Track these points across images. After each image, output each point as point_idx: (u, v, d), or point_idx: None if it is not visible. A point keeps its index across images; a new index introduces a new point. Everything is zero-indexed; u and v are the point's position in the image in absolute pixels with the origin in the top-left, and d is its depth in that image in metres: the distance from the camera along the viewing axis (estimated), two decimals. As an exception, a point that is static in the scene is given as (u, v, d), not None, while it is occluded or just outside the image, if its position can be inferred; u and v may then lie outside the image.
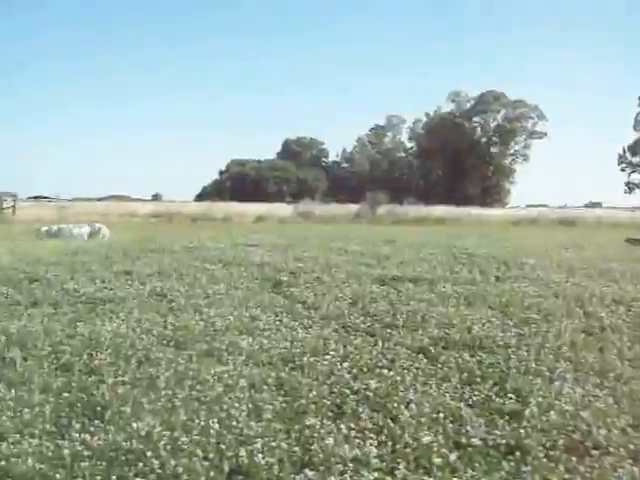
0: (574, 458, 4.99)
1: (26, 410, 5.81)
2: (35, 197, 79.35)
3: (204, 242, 20.23)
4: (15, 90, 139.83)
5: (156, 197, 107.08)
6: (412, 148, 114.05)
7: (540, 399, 6.21)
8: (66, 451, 5.01)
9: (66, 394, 6.27)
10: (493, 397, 6.34)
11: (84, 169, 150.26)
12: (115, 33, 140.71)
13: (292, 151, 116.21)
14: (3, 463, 4.84)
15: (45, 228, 25.49)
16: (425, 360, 7.58)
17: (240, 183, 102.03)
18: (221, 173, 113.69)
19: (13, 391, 6.34)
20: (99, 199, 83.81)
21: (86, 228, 26.12)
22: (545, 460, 4.98)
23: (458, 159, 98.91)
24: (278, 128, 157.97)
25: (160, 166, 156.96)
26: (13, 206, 46.23)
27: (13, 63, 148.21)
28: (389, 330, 8.97)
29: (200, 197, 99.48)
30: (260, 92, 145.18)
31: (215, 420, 5.56)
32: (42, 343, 7.98)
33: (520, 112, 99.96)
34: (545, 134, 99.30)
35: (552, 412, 5.84)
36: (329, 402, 6.14)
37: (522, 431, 5.45)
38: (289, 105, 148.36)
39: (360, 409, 5.97)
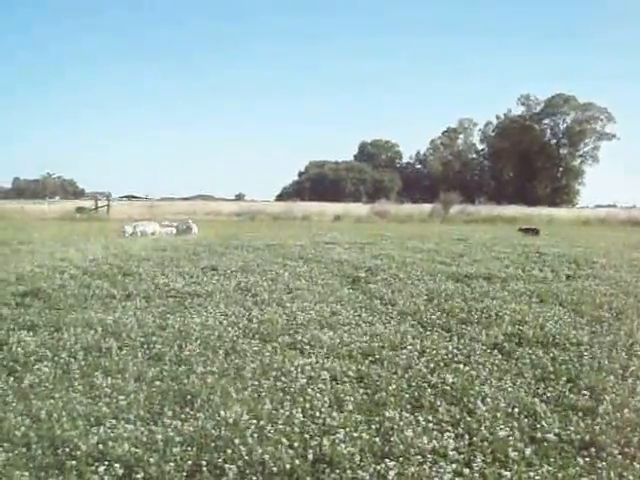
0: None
1: (121, 397, 6.12)
2: (127, 196, 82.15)
3: (285, 240, 20.66)
4: (109, 92, 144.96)
5: (239, 197, 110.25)
6: (483, 150, 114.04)
7: (614, 396, 6.27)
8: (159, 436, 5.26)
9: (158, 382, 6.58)
10: (567, 393, 6.42)
11: (173, 169, 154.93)
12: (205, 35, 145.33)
13: (368, 153, 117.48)
14: (101, 447, 5.10)
15: (129, 226, 26.34)
16: (500, 356, 7.71)
17: (319, 183, 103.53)
18: (300, 174, 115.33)
19: (109, 379, 6.66)
20: (186, 198, 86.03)
21: (152, 226, 27.13)
22: (620, 457, 5.04)
23: (528, 160, 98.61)
24: (355, 131, 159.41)
25: (243, 168, 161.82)
26: (107, 205, 48.44)
27: (110, 62, 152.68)
28: (464, 326, 9.15)
29: (281, 197, 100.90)
30: (338, 94, 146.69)
31: (299, 410, 5.79)
32: (135, 334, 8.39)
33: (589, 114, 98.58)
34: (614, 135, 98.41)
35: (626, 409, 5.88)
36: (408, 395, 6.33)
37: (596, 427, 5.51)
38: (366, 109, 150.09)
39: (437, 402, 6.13)
